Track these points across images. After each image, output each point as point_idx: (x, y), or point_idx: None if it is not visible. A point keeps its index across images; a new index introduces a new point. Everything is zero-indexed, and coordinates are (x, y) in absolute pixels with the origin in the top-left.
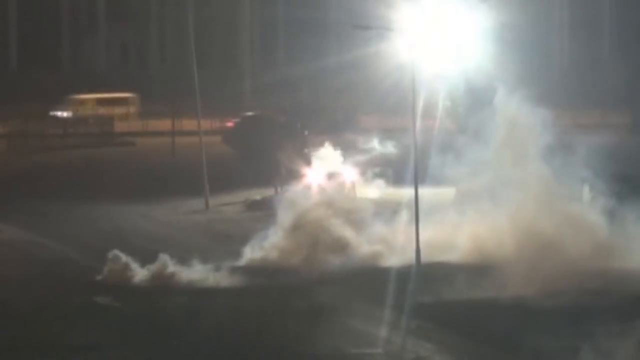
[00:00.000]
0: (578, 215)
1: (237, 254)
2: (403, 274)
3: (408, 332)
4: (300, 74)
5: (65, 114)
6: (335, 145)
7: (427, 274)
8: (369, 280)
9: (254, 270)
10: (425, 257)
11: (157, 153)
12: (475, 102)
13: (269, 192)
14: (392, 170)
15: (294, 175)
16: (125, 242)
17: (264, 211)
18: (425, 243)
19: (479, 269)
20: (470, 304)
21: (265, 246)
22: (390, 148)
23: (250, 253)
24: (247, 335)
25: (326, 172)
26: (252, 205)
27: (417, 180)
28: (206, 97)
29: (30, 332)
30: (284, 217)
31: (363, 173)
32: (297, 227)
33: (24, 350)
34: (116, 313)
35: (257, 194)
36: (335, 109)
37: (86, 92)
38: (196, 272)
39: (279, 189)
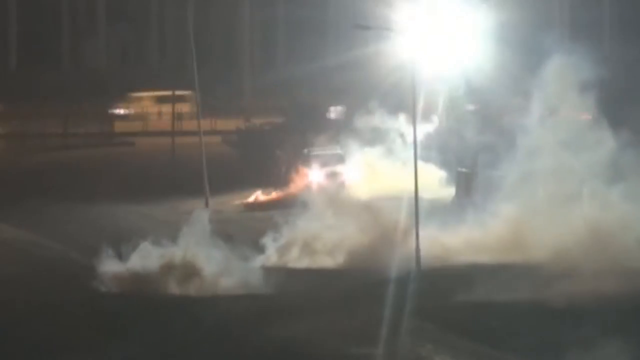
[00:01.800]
0: (621, 204)
1: (244, 254)
2: (451, 276)
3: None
4: (300, 74)
5: (124, 112)
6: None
7: (448, 276)
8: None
9: (285, 272)
10: (453, 258)
11: (157, 153)
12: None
13: (268, 192)
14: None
15: (294, 175)
16: (125, 242)
17: (264, 211)
18: (460, 243)
19: (507, 269)
20: (486, 307)
21: (293, 245)
22: None
23: (274, 252)
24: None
25: (326, 171)
26: (253, 205)
27: (417, 180)
28: (206, 97)
29: (30, 332)
30: (325, 211)
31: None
32: (348, 220)
33: (24, 350)
34: (121, 314)
35: (257, 194)
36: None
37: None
38: (220, 273)
39: (278, 189)
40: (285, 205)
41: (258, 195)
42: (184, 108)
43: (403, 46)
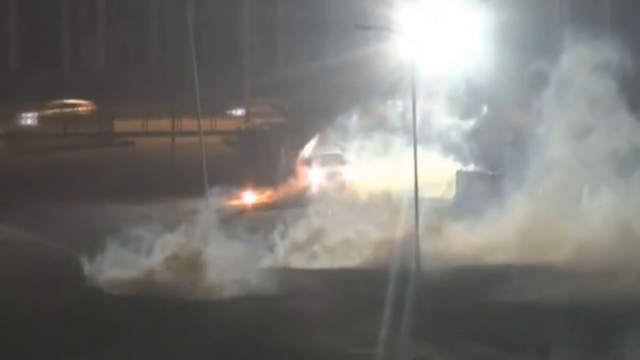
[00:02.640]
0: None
1: (249, 254)
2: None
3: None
4: (300, 74)
5: None
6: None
7: (460, 278)
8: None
9: (291, 272)
10: (470, 259)
11: (156, 153)
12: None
13: (268, 192)
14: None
15: (294, 175)
16: (125, 241)
17: (264, 211)
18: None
19: (524, 269)
20: (493, 308)
21: (297, 245)
22: None
23: (280, 252)
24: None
25: (326, 171)
26: (253, 205)
27: (417, 179)
28: (206, 97)
29: (30, 332)
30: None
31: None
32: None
33: (24, 350)
34: (121, 315)
35: (257, 194)
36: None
37: None
38: (225, 272)
39: (278, 189)
40: (286, 205)
41: (258, 195)
42: None
43: (403, 46)
